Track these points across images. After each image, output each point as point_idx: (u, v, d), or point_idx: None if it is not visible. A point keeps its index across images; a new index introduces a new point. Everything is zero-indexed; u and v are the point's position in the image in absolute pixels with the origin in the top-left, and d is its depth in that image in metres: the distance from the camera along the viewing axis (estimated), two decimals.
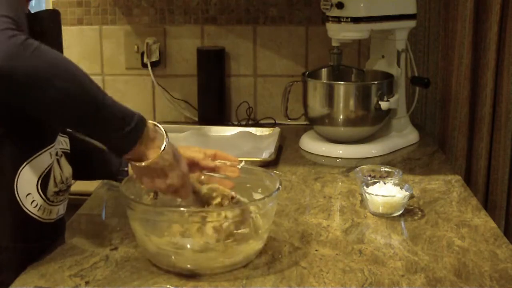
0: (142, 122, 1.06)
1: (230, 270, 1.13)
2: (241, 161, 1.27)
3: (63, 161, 1.24)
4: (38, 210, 1.17)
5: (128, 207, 1.15)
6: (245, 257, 1.15)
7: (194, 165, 1.24)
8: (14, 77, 0.95)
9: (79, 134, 1.26)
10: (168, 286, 1.08)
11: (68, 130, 1.27)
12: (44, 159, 1.17)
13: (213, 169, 1.25)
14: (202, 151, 1.25)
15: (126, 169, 1.43)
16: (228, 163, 1.26)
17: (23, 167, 1.14)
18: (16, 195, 1.14)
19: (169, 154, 1.09)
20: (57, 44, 1.23)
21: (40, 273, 1.13)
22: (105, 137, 1.06)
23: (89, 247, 1.24)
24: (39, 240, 1.20)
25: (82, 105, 1.01)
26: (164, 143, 1.07)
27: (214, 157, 1.25)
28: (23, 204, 1.15)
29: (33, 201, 1.16)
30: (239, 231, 1.12)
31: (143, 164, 1.07)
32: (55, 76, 0.97)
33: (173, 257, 1.12)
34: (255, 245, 1.17)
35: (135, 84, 2.26)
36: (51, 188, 1.19)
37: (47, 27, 1.16)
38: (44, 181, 1.17)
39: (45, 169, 1.18)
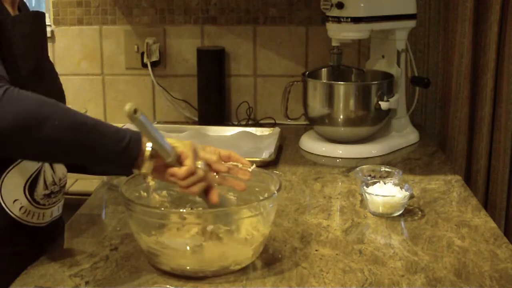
0: (135, 134, 1.06)
1: (221, 274, 1.12)
2: (252, 163, 1.26)
3: None
4: (27, 216, 1.16)
5: (127, 208, 1.15)
6: (234, 261, 1.13)
7: (207, 167, 1.24)
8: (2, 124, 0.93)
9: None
10: (168, 286, 1.08)
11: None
12: (31, 163, 1.16)
13: (225, 173, 1.25)
14: (217, 152, 1.22)
15: None
16: (240, 165, 1.25)
17: (7, 173, 1.13)
18: (1, 201, 1.13)
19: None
20: (41, 45, 1.22)
21: (40, 273, 1.13)
22: (110, 153, 1.04)
23: (89, 247, 1.24)
24: (30, 244, 1.19)
25: (76, 133, 1.00)
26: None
27: (228, 159, 1.24)
28: (10, 210, 1.14)
29: (22, 207, 1.16)
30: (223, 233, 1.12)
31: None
32: (45, 115, 0.96)
33: (160, 256, 1.12)
34: (244, 250, 1.14)
35: (135, 84, 2.26)
36: (40, 191, 1.18)
37: (30, 29, 1.15)
38: (32, 185, 1.17)
39: (33, 173, 1.17)
